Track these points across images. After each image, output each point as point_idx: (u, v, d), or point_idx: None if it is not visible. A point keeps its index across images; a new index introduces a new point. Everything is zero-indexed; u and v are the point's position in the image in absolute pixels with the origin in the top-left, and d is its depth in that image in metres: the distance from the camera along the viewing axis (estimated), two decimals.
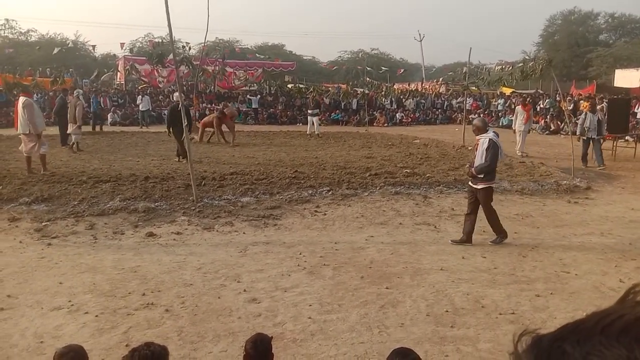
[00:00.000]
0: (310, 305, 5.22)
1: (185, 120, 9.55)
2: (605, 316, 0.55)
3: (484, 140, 7.07)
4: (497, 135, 7.20)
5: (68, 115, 15.64)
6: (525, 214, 8.89)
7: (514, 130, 16.18)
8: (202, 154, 14.58)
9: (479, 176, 7.09)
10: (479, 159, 7.08)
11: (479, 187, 7.15)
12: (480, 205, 7.23)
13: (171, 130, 13.97)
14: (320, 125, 21.22)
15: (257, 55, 36.89)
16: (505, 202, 9.58)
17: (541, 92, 30.23)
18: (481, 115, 30.04)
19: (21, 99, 11.39)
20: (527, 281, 5.92)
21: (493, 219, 7.24)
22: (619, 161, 14.57)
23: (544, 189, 10.55)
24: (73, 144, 15.29)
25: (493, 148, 6.96)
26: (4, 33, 50.60)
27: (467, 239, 7.19)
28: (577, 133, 14.08)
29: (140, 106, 25.62)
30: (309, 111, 21.52)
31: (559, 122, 23.84)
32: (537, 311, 5.12)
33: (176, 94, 15.64)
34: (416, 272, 6.16)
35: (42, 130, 11.39)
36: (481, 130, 7.20)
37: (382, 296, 5.46)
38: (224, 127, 18.03)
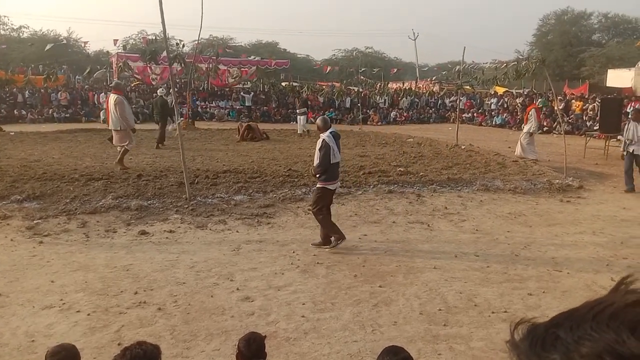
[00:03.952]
0: (303, 304, 5.22)
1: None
2: (597, 304, 0.58)
3: (319, 140, 6.95)
4: (335, 136, 6.94)
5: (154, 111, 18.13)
6: (518, 212, 8.92)
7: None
8: (196, 152, 14.54)
9: (317, 176, 7.00)
10: (315, 158, 6.99)
11: (317, 185, 7.08)
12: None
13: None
14: (308, 122, 21.16)
15: (247, 57, 36.68)
16: (498, 200, 9.62)
17: (535, 91, 30.31)
18: (474, 114, 30.26)
19: (112, 97, 11.64)
20: (519, 280, 5.95)
21: (322, 221, 6.91)
22: (611, 160, 14.66)
23: (537, 187, 10.59)
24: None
25: (325, 148, 6.77)
26: None
27: (323, 242, 6.96)
28: (622, 149, 11.68)
29: (105, 104, 24.95)
30: (297, 110, 22.03)
31: (551, 122, 23.96)
32: (530, 310, 5.14)
33: (160, 89, 17.37)
34: (409, 271, 6.17)
35: (133, 126, 11.90)
36: (321, 129, 7.01)
37: (375, 295, 5.46)
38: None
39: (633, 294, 0.59)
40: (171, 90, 20.46)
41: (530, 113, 14.73)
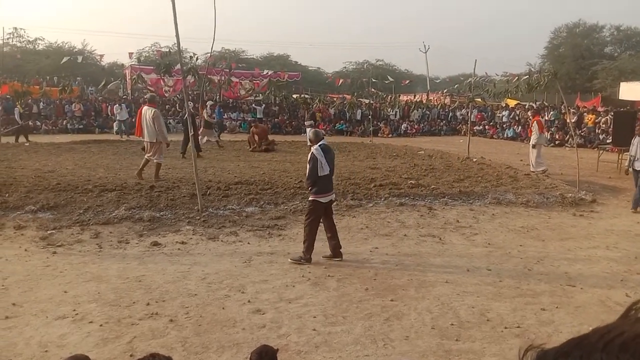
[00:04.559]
0: (314, 317, 5.21)
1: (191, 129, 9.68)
2: (607, 332, 0.57)
3: (310, 153, 7.00)
4: (325, 149, 6.92)
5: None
6: (531, 226, 8.86)
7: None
8: (207, 163, 14.63)
9: (309, 189, 7.02)
10: (307, 171, 7.01)
11: (309, 198, 7.09)
12: (330, 218, 7.12)
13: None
14: None
15: (260, 71, 37.00)
16: (510, 214, 9.56)
17: (546, 103, 30.20)
18: (485, 127, 30.18)
19: (150, 110, 11.84)
20: (532, 294, 5.90)
21: (307, 233, 6.86)
22: (624, 174, 14.50)
23: (549, 201, 10.51)
24: (218, 142, 19.91)
25: (312, 160, 6.80)
26: (12, 41, 51.06)
27: (333, 255, 7.00)
28: (627, 165, 11.20)
29: (118, 116, 25.23)
30: (305, 123, 22.32)
31: (564, 135, 23.84)
32: (543, 325, 5.09)
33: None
34: (421, 285, 6.15)
35: (168, 140, 12.12)
36: (312, 142, 7.09)
37: (386, 308, 5.44)
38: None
39: None
40: (202, 102, 21.19)
41: (533, 125, 14.70)
